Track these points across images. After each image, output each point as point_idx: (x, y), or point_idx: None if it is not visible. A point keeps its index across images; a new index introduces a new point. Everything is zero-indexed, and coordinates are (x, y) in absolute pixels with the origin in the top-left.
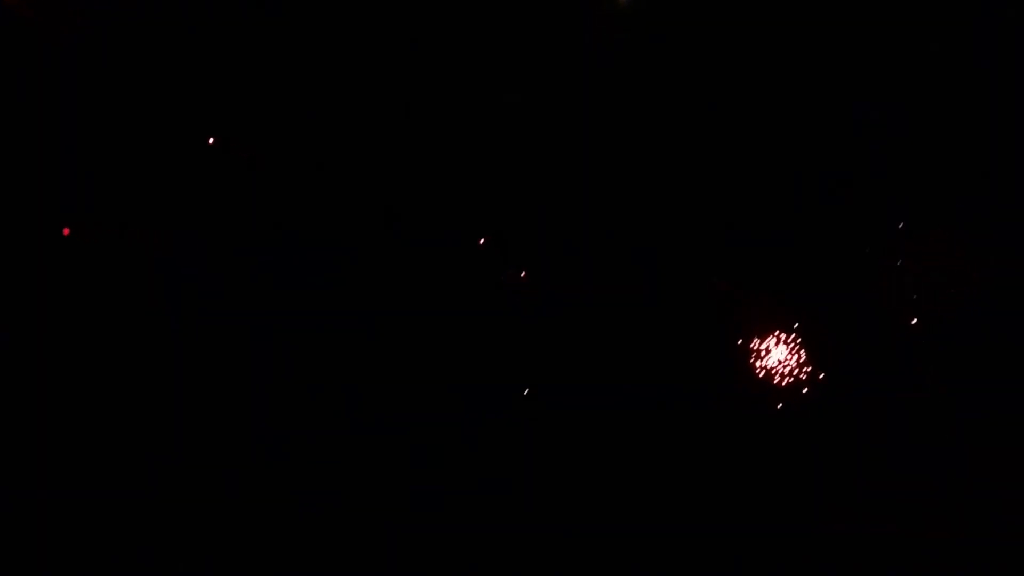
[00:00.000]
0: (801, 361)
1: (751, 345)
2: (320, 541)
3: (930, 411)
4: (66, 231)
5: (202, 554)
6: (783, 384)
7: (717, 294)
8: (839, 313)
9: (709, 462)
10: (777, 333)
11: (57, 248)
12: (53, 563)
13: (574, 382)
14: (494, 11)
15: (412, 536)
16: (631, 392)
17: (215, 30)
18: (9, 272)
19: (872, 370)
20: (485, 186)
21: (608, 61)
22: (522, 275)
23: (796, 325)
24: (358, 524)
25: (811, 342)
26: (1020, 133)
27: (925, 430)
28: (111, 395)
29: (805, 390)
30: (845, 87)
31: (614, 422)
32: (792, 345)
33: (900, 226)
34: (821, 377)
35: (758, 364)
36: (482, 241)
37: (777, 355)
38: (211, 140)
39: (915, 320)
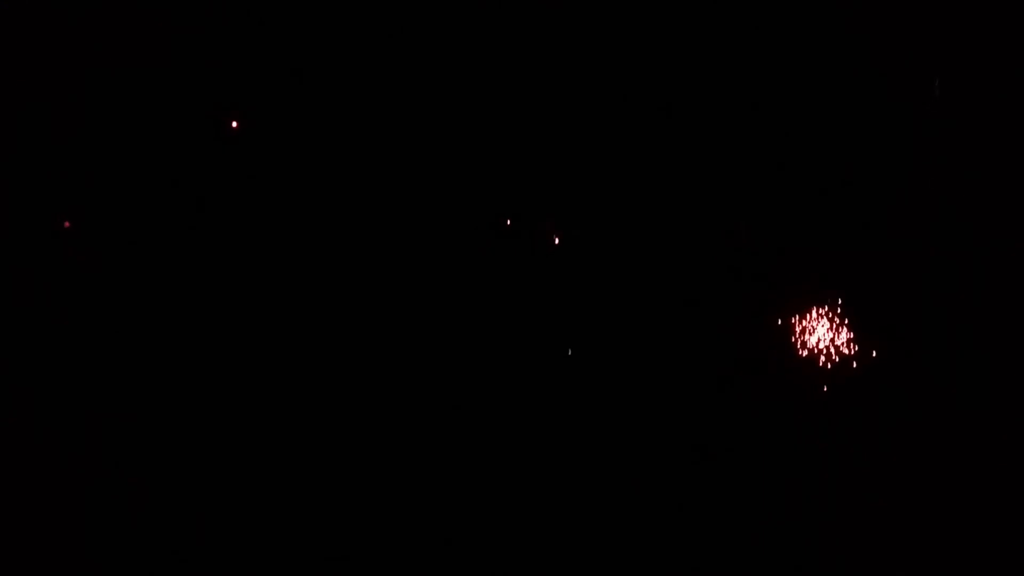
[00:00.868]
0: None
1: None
2: (320, 541)
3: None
4: (66, 224)
5: (201, 554)
6: (822, 369)
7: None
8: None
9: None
10: (819, 310)
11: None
12: (53, 563)
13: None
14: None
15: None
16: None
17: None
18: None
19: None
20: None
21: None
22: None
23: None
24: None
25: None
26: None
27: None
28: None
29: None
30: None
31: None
32: (835, 324)
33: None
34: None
35: (796, 345)
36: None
37: (818, 335)
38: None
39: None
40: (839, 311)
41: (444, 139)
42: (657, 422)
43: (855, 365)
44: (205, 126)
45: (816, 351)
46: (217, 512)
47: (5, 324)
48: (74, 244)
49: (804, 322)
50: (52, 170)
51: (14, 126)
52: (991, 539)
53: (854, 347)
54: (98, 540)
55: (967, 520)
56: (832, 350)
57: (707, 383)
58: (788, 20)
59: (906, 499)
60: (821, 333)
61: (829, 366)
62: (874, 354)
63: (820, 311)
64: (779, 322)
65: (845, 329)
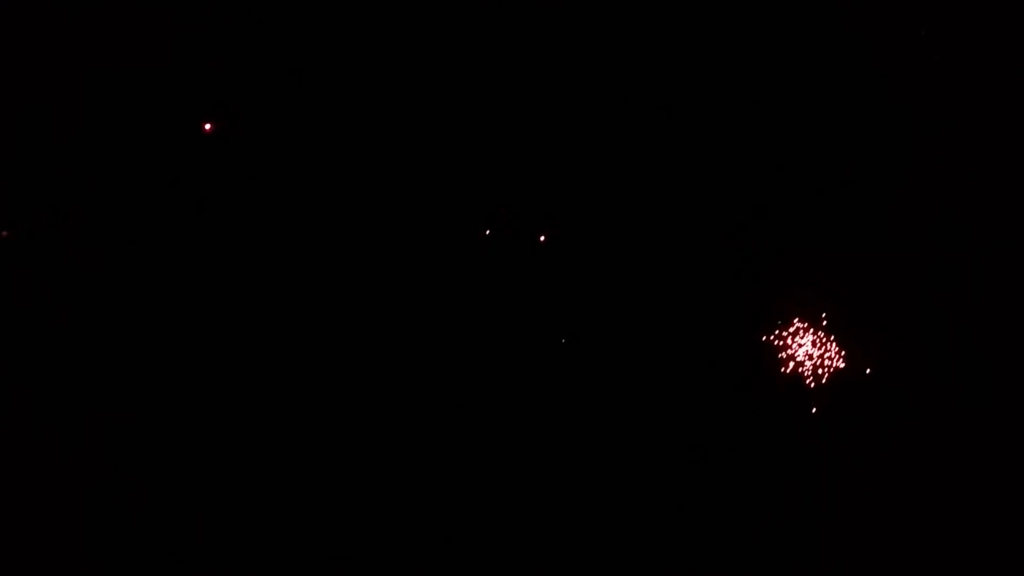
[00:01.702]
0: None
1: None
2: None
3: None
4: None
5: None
6: (812, 380)
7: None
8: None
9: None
10: (805, 323)
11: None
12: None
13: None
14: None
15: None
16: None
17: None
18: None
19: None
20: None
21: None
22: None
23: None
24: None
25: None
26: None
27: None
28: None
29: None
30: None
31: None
32: (821, 337)
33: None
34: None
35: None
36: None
37: (806, 349)
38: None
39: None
40: (839, 311)
41: (443, 139)
42: (656, 422)
43: (855, 365)
44: (205, 126)
45: (815, 351)
46: (217, 512)
47: (5, 324)
48: (74, 244)
49: (803, 322)
50: (52, 170)
51: (14, 126)
52: (991, 539)
53: (854, 347)
54: (98, 540)
55: (967, 520)
56: (832, 350)
57: (706, 383)
58: (788, 20)
59: (906, 499)
60: (820, 332)
61: (829, 366)
62: (874, 354)
63: (820, 311)
64: (778, 322)
65: (845, 329)
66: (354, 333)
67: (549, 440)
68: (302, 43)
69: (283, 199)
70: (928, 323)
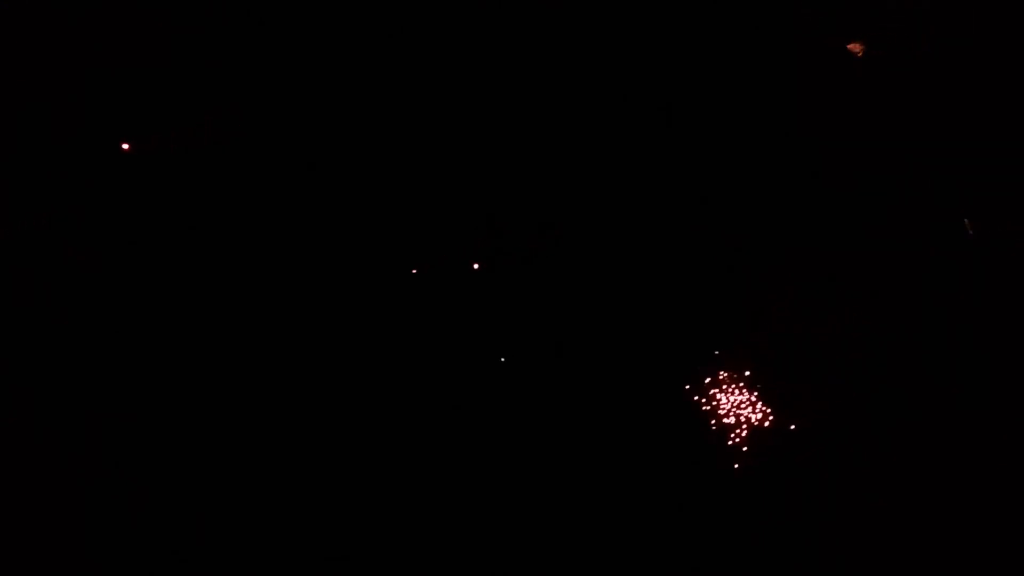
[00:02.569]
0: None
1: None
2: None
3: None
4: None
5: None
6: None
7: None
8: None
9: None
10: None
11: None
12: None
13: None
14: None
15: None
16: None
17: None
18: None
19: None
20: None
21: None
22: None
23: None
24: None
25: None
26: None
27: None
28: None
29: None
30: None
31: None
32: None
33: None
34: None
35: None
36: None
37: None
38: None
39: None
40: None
41: (442, 140)
42: (656, 421)
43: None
44: (204, 126)
45: (814, 351)
46: (217, 512)
47: (5, 324)
48: (74, 244)
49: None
50: (52, 170)
51: (14, 126)
52: (991, 539)
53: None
54: (98, 540)
55: (967, 520)
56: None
57: (706, 383)
58: (788, 20)
59: (906, 499)
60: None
61: (828, 366)
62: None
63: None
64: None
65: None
66: (354, 333)
67: (549, 440)
68: (302, 43)
69: (283, 199)
70: (928, 323)
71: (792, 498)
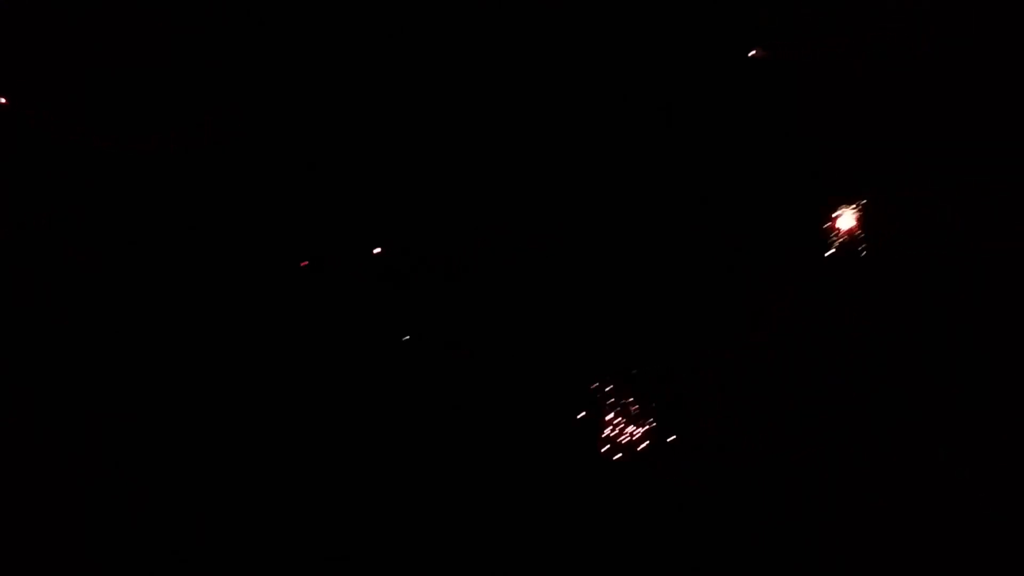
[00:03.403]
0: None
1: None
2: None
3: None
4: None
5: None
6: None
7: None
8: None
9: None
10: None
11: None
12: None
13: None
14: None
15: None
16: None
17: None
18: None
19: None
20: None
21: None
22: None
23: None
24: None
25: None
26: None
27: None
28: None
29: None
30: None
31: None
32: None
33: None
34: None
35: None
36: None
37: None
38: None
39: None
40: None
41: (442, 140)
42: (655, 421)
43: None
44: (204, 126)
45: (814, 351)
46: (217, 512)
47: (5, 324)
48: (74, 244)
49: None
50: (52, 170)
51: (14, 126)
52: (991, 539)
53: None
54: (98, 540)
55: (967, 520)
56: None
57: (706, 383)
58: (788, 20)
59: (906, 499)
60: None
61: (828, 366)
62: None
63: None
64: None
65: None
66: (354, 333)
67: (548, 440)
68: (302, 43)
69: (283, 199)
70: (928, 323)
71: (792, 498)
